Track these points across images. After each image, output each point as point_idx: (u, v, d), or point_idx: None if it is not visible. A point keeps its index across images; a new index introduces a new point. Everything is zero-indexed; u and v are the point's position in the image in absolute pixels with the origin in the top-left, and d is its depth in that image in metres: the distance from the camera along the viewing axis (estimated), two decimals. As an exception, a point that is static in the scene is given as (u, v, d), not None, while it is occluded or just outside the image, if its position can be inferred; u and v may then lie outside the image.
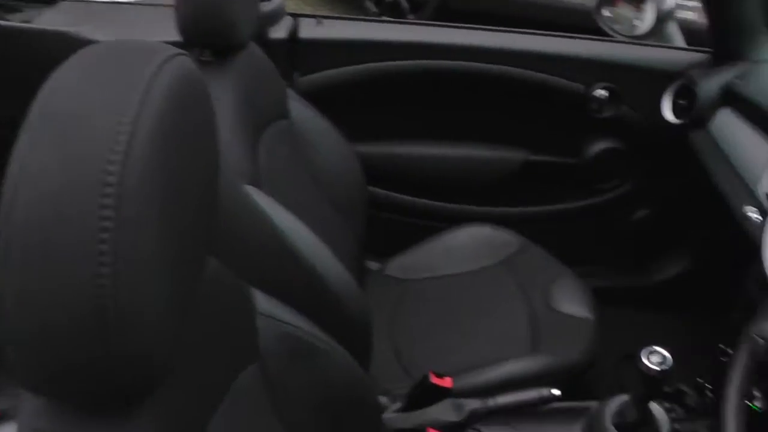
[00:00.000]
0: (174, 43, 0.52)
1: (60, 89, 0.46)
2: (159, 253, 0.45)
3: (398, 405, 1.26)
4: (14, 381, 0.47)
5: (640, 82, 1.72)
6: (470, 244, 1.65)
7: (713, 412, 1.53)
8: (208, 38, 1.14)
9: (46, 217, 0.42)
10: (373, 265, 1.65)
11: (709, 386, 1.57)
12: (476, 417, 1.23)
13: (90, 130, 0.43)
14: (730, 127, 1.55)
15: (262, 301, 0.77)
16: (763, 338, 0.98)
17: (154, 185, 0.45)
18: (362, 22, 1.94)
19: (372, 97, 1.73)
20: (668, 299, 1.97)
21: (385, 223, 1.79)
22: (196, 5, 1.12)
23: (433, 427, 1.18)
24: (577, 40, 1.75)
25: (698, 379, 1.59)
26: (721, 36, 1.62)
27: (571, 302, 1.52)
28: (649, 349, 1.17)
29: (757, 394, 1.10)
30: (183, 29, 1.13)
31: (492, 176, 1.83)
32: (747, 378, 0.99)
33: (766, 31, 1.60)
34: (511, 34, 1.74)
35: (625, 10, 1.84)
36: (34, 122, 0.44)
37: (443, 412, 1.23)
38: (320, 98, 1.53)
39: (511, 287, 1.56)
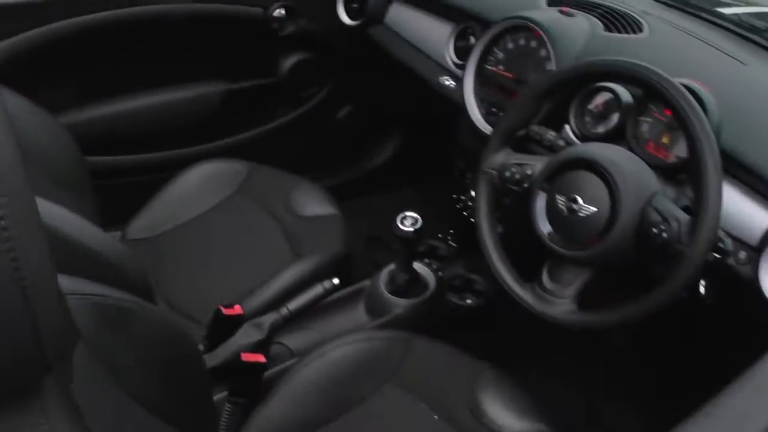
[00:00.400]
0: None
1: None
2: None
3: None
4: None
5: None
6: (202, 182, 1.65)
7: (463, 254, 1.79)
8: None
9: None
10: (115, 235, 1.58)
11: (452, 232, 1.82)
12: (276, 328, 1.30)
13: None
14: (403, 17, 1.75)
15: (67, 282, 0.74)
16: (493, 169, 1.18)
17: None
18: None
19: (54, 64, 1.60)
20: (394, 179, 2.20)
21: (116, 189, 1.71)
22: None
23: (244, 351, 1.22)
24: None
25: (439, 235, 1.83)
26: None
27: (314, 205, 1.62)
28: (401, 215, 1.34)
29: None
30: None
31: (203, 113, 1.83)
32: (491, 205, 1.19)
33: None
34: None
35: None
36: None
37: (246, 335, 1.27)
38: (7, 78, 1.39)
39: (255, 210, 1.61)
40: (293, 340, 1.40)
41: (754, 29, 1.44)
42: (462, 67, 1.50)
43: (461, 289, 1.69)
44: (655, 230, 0.97)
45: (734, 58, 1.30)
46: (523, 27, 1.38)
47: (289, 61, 1.89)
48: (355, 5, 1.82)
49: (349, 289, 1.49)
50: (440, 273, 1.53)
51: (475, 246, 1.21)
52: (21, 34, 1.52)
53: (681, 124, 0.98)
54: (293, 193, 1.63)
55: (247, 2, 1.76)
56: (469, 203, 1.64)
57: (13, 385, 0.48)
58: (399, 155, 2.21)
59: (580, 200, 1.02)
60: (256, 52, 1.86)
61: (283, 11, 1.80)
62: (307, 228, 1.56)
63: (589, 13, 1.41)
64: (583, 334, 1.74)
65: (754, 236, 1.04)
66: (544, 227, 1.07)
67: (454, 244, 1.84)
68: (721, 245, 1.01)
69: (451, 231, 1.87)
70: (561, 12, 1.39)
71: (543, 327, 1.76)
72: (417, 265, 1.48)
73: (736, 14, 1.54)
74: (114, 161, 1.75)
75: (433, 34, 1.63)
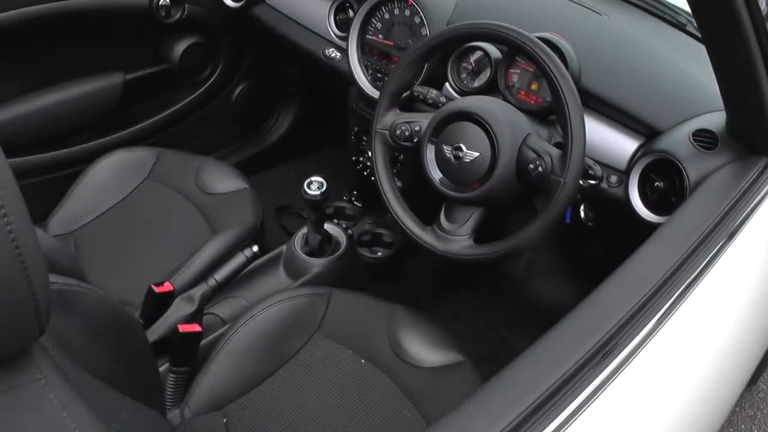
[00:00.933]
0: None
1: None
2: None
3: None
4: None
5: None
6: (113, 173, 1.69)
7: (368, 211, 1.92)
8: None
9: None
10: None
11: (356, 193, 1.94)
12: (206, 299, 1.38)
13: None
14: (282, -5, 1.84)
15: None
16: (385, 129, 1.30)
17: None
18: None
19: None
20: (295, 149, 2.30)
21: (29, 189, 1.72)
22: None
23: (180, 323, 1.31)
24: None
25: (344, 197, 1.94)
26: None
27: (223, 181, 1.70)
28: (307, 180, 1.44)
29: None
30: None
31: (105, 105, 1.85)
32: (387, 162, 1.31)
33: None
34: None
35: None
36: None
37: (179, 309, 1.36)
38: None
39: (168, 193, 1.67)
40: (223, 309, 1.49)
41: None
42: (344, 39, 1.61)
43: (371, 243, 1.82)
44: (531, 166, 1.12)
45: (592, 10, 1.47)
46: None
47: (179, 47, 1.93)
48: (235, -14, 1.89)
49: (267, 256, 1.59)
50: (350, 231, 1.65)
51: (378, 202, 1.33)
52: None
53: (542, 73, 1.13)
54: (202, 173, 1.70)
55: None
56: (368, 163, 1.76)
57: (14, 347, 0.58)
58: (297, 126, 2.30)
59: (464, 147, 1.16)
60: (147, 41, 1.90)
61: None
62: (220, 204, 1.64)
63: (456, -22, 1.55)
64: (484, 271, 1.91)
65: (622, 161, 1.23)
66: (436, 175, 1.21)
67: (358, 204, 1.96)
68: (591, 172, 1.18)
69: (355, 192, 1.99)
70: (429, -20, 1.51)
71: (447, 271, 1.92)
72: (327, 226, 1.59)
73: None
74: (23, 162, 1.75)
75: (313, 9, 1.73)
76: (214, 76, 2.05)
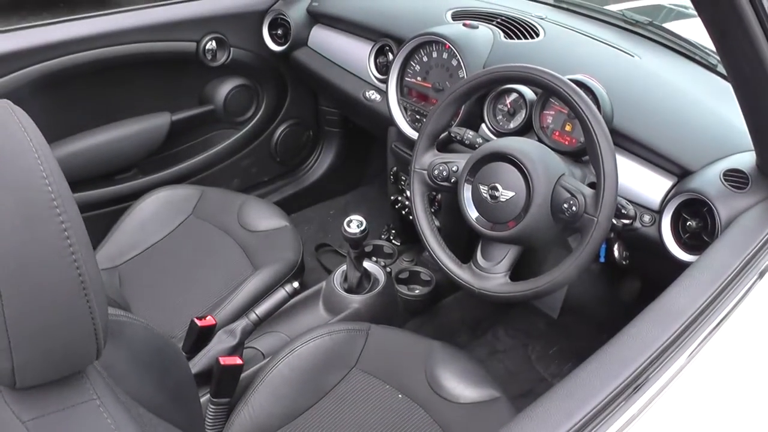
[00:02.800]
0: None
1: None
2: None
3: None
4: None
5: (240, 26, 1.96)
6: (158, 209, 1.75)
7: (406, 250, 1.95)
8: None
9: None
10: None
11: (393, 231, 1.98)
12: (247, 333, 1.42)
13: None
14: (325, 39, 1.91)
15: None
16: (423, 169, 1.34)
17: None
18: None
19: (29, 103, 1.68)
20: (334, 188, 2.36)
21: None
22: None
23: (221, 356, 1.34)
24: (174, 5, 1.90)
25: (382, 235, 1.98)
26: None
27: (265, 219, 1.75)
28: (348, 219, 1.48)
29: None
30: None
31: (151, 144, 1.93)
32: (425, 201, 1.35)
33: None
34: (113, 15, 1.81)
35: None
36: None
37: (221, 342, 1.40)
38: None
39: (211, 230, 1.72)
40: (263, 343, 1.52)
41: (637, 23, 1.66)
42: (384, 81, 1.67)
43: (409, 281, 1.85)
44: (565, 205, 1.14)
45: (623, 51, 1.51)
46: (434, 41, 1.55)
47: (224, 89, 2.01)
48: (279, 32, 1.97)
49: (307, 292, 1.62)
50: (388, 269, 1.68)
51: (415, 241, 1.36)
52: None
53: (575, 114, 1.16)
54: (244, 211, 1.75)
55: (179, 39, 1.88)
56: (406, 203, 1.80)
57: (74, 367, 0.62)
58: (336, 166, 2.35)
59: (499, 187, 1.19)
60: (193, 84, 1.98)
61: (214, 43, 1.93)
62: (261, 241, 1.69)
63: (490, 24, 1.60)
64: (520, 310, 1.92)
65: (655, 201, 1.24)
66: (473, 214, 1.24)
67: (396, 243, 2.00)
68: (624, 211, 1.20)
69: (393, 231, 2.03)
70: (465, 25, 1.56)
71: (484, 309, 1.93)
72: (366, 264, 1.62)
73: (621, 11, 1.75)
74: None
75: (354, 52, 1.79)
76: (257, 117, 2.12)
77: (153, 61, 1.85)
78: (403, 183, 1.79)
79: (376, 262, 1.67)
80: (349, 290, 1.59)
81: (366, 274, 1.61)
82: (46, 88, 1.69)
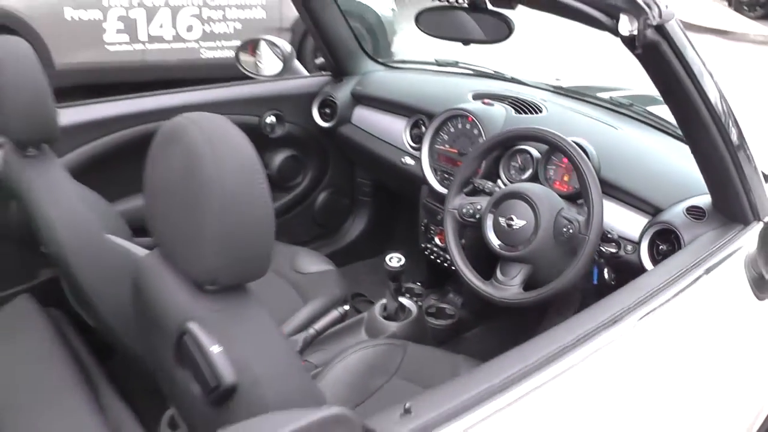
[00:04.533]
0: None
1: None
2: None
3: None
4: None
5: (295, 105, 2.37)
6: None
7: (433, 291, 2.27)
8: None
9: None
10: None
11: (420, 283, 2.31)
12: (308, 344, 1.73)
13: None
14: (366, 117, 2.32)
15: None
16: (455, 209, 1.71)
17: None
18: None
19: (121, 162, 2.03)
20: (365, 249, 2.72)
21: None
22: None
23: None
24: (241, 86, 2.32)
25: (412, 282, 2.31)
26: (334, 62, 2.38)
27: (313, 264, 2.08)
28: (389, 255, 1.83)
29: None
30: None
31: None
32: (456, 234, 1.71)
33: (361, 51, 2.41)
34: (193, 92, 2.21)
35: (258, 57, 2.47)
36: None
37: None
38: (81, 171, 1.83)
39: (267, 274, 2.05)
40: (315, 358, 1.83)
41: (621, 105, 2.06)
42: (418, 149, 2.06)
43: (436, 315, 2.18)
44: (564, 229, 1.51)
45: (608, 125, 1.90)
46: (460, 115, 1.95)
47: (278, 158, 2.40)
48: (327, 110, 2.39)
49: (351, 320, 1.94)
50: (419, 303, 2.01)
51: (441, 284, 1.65)
52: (88, 144, 1.97)
53: (573, 165, 1.53)
54: (296, 257, 2.09)
55: (244, 113, 2.29)
56: (435, 248, 2.15)
57: (251, 277, 0.96)
58: (368, 230, 2.71)
59: (514, 218, 1.55)
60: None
61: (273, 118, 2.33)
62: (310, 281, 2.00)
63: (503, 102, 2.00)
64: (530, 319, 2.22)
65: (635, 233, 1.60)
66: (493, 240, 1.60)
67: (423, 288, 2.34)
68: (609, 236, 1.56)
69: (420, 282, 2.35)
70: (483, 103, 1.97)
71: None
72: (401, 299, 1.95)
73: (609, 96, 2.16)
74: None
75: (392, 127, 2.20)
76: (303, 184, 2.49)
77: None
78: (432, 232, 2.14)
79: (409, 297, 2.00)
80: (387, 318, 1.90)
81: (401, 306, 1.93)
82: (124, 153, 2.01)
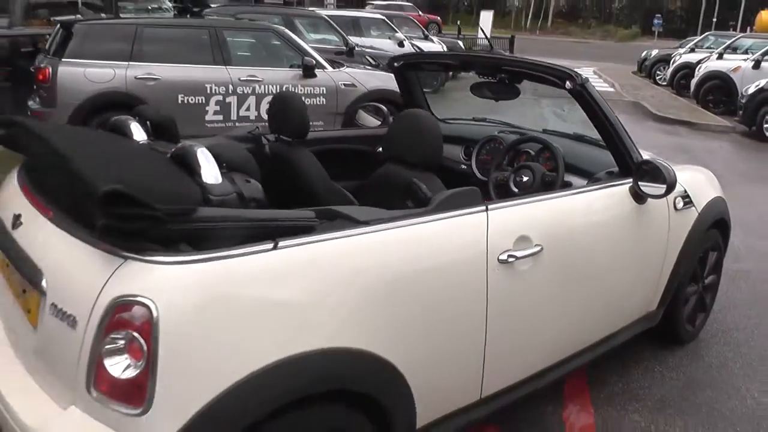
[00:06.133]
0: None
1: None
2: None
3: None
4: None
5: None
6: None
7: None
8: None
9: None
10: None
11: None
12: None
13: None
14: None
15: None
16: (494, 178, 3.45)
17: None
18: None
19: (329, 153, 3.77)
20: None
21: None
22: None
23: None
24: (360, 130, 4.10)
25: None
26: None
27: None
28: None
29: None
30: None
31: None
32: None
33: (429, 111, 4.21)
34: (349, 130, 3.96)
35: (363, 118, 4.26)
36: None
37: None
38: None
39: None
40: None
41: (568, 135, 3.85)
42: (468, 160, 3.83)
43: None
44: (547, 179, 3.24)
45: (566, 138, 3.69)
46: (491, 139, 3.72)
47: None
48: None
49: None
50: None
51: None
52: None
53: (552, 155, 3.29)
54: None
55: (365, 144, 4.04)
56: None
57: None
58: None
59: (524, 178, 3.29)
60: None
61: (380, 149, 4.08)
62: None
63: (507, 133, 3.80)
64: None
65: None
66: (513, 189, 3.32)
67: None
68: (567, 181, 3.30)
69: None
70: (499, 132, 3.76)
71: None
72: None
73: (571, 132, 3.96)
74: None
75: (452, 152, 3.94)
76: None
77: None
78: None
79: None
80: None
81: None
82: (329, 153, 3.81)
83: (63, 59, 6.59)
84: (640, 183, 2.96)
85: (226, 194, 1.98)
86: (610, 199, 3.02)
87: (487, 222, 2.37)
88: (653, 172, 2.92)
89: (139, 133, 2.53)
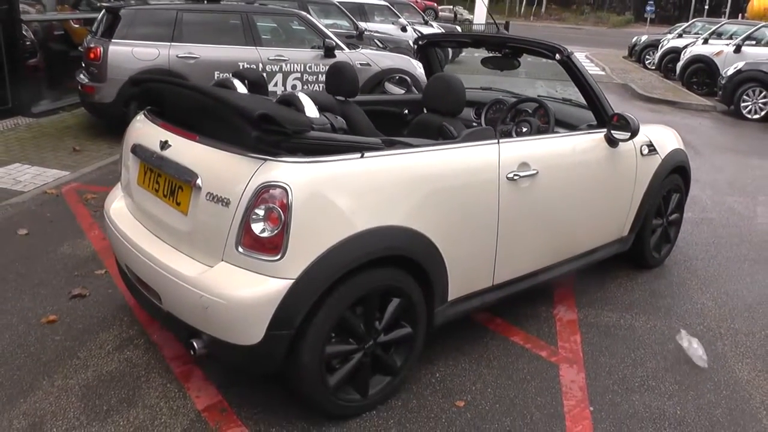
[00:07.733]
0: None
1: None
2: None
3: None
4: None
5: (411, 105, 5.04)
6: None
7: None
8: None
9: None
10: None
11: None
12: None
13: None
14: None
15: None
16: (501, 129, 4.36)
17: None
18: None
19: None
20: None
21: None
22: None
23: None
24: (391, 96, 5.00)
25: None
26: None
27: None
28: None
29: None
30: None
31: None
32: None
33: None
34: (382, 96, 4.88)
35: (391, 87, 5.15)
36: None
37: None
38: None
39: None
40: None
41: (558, 98, 4.77)
42: (478, 120, 4.73)
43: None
44: (543, 126, 4.14)
45: (555, 101, 4.60)
46: (497, 101, 4.63)
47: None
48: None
49: None
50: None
51: None
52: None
53: (545, 114, 4.20)
54: None
55: (395, 108, 4.94)
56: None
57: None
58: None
59: (523, 128, 4.20)
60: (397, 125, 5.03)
61: (406, 111, 4.97)
62: None
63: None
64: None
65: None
66: (515, 135, 4.23)
67: None
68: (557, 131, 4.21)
69: None
70: (502, 97, 4.66)
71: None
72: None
73: (561, 96, 4.87)
74: None
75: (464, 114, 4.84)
76: None
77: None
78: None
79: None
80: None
81: None
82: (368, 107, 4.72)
83: (113, 39, 7.43)
84: (612, 131, 3.87)
85: (323, 124, 2.88)
86: (589, 143, 3.93)
87: (498, 151, 3.28)
88: (621, 122, 3.82)
89: (241, 88, 3.42)
